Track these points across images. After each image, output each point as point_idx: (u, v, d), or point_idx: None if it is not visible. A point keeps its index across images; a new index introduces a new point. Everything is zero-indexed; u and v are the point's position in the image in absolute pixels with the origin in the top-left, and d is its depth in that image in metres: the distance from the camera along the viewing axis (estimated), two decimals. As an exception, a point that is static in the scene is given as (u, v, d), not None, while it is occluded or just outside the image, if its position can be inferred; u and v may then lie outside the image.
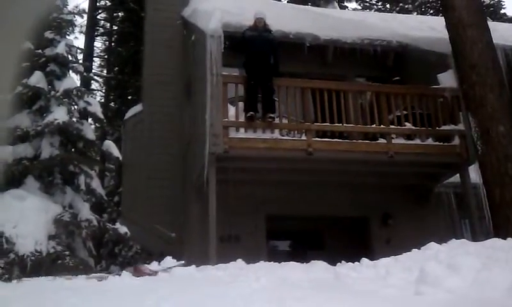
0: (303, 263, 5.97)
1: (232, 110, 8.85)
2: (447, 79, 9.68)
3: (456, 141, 9.38)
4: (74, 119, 10.45)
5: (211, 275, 5.26)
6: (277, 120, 8.88)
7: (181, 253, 11.93)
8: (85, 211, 9.68)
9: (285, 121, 9.09)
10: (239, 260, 5.99)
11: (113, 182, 22.31)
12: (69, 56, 11.40)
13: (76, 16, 12.67)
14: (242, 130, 8.81)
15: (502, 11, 30.09)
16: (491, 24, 9.90)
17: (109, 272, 12.06)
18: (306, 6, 19.23)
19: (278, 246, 11.26)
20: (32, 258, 8.41)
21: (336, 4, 22.88)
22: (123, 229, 10.40)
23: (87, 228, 9.45)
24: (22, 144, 10.04)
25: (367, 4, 31.59)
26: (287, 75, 9.37)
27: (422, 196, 10.68)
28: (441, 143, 9.43)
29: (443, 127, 9.46)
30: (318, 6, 21.78)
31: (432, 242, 5.37)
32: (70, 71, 11.49)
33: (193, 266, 5.77)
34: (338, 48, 11.19)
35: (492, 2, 29.59)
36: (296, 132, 9.07)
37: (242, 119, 8.75)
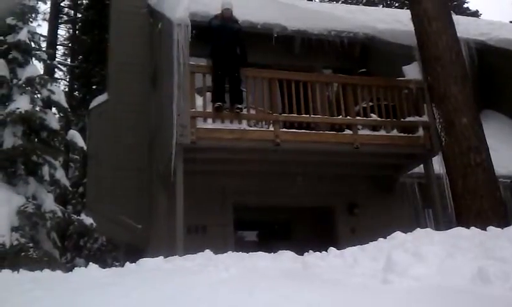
0: (270, 253, 5.98)
1: (199, 100, 8.77)
2: (412, 71, 9.83)
3: (420, 132, 9.51)
4: (37, 108, 10.20)
5: (179, 266, 5.21)
6: (245, 111, 8.86)
7: (147, 244, 11.86)
8: (49, 202, 9.48)
9: (252, 111, 9.07)
10: (207, 251, 5.94)
11: (78, 173, 21.96)
12: (32, 43, 11.12)
13: (39, 2, 12.38)
14: (209, 120, 8.73)
15: (465, 5, 30.74)
16: (455, 18, 10.09)
17: (74, 265, 11.88)
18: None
19: (246, 237, 11.29)
20: (-5, 250, 8.23)
21: (303, -5, 22.92)
22: (88, 220, 10.21)
23: (51, 219, 9.26)
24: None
25: (334, -5, 31.74)
26: (255, 65, 9.35)
27: (386, 186, 10.83)
28: (406, 134, 9.56)
29: (408, 119, 9.59)
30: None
31: (398, 231, 5.44)
32: (33, 59, 11.20)
33: (161, 257, 5.72)
34: (305, 40, 11.29)
35: (456, -4, 30.12)
36: (263, 122, 9.07)
37: (209, 109, 8.69)
